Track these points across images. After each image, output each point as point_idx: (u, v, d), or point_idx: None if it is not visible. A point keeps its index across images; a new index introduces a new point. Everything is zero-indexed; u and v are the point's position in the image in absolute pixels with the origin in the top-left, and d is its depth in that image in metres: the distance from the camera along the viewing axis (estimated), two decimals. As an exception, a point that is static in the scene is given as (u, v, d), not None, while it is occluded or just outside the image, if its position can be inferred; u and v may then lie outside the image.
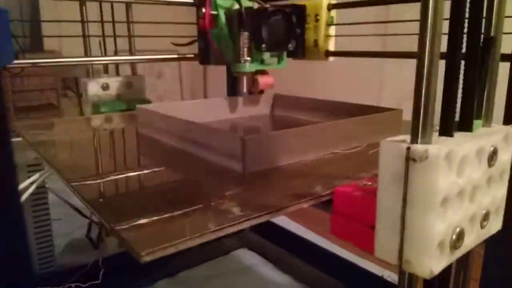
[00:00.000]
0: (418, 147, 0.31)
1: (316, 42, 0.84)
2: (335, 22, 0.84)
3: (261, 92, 0.84)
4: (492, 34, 0.36)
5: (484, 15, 0.36)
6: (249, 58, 0.72)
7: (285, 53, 0.78)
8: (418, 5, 0.31)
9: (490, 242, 0.39)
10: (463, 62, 0.35)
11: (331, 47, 0.84)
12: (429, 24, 0.30)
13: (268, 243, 1.31)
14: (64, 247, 1.34)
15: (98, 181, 0.49)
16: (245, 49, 0.71)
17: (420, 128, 0.32)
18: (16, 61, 0.59)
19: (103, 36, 1.06)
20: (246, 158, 0.49)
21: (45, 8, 2.10)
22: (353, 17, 0.82)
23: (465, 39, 0.34)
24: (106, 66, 1.00)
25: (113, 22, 1.07)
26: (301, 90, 1.17)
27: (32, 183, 0.64)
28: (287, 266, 1.24)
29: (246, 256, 1.32)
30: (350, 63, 1.22)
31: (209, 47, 0.79)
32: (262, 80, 0.82)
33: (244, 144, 0.49)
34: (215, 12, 0.74)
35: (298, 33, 0.85)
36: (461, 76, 0.35)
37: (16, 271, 0.30)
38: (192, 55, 0.95)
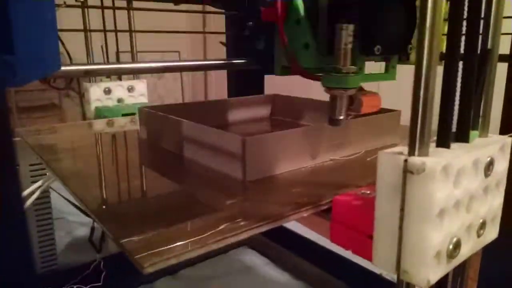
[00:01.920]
0: (416, 160, 0.31)
1: None
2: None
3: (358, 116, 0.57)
4: (489, 46, 0.37)
5: (482, 27, 0.36)
6: (353, 67, 0.45)
7: (396, 60, 0.52)
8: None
9: (488, 245, 0.40)
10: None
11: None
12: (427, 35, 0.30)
13: (269, 241, 1.32)
14: (66, 245, 1.35)
15: (101, 190, 0.50)
16: (348, 53, 0.44)
17: (417, 140, 0.32)
18: (64, 68, 0.44)
19: (104, 32, 1.06)
20: (247, 159, 0.49)
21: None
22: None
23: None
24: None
25: (114, 20, 1.08)
26: (300, 90, 1.16)
27: (35, 191, 0.65)
28: (287, 264, 1.25)
29: (247, 254, 1.33)
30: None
31: (273, 49, 0.54)
32: (367, 100, 0.52)
33: (245, 144, 0.49)
34: None
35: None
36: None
37: (18, 271, 0.30)
38: (242, 61, 0.66)
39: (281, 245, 1.30)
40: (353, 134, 0.61)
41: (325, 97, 0.80)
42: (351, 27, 0.43)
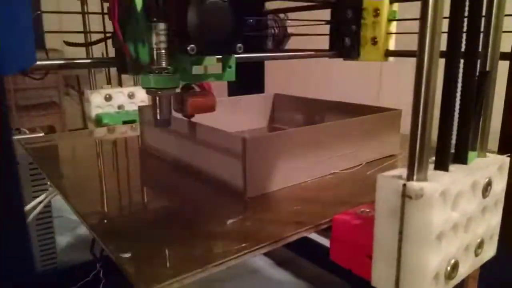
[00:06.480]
0: (414, 185, 0.32)
1: (374, 40, 0.73)
2: (397, 17, 0.73)
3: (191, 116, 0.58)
4: (487, 68, 0.37)
5: (480, 49, 0.37)
6: (166, 67, 0.43)
7: (233, 59, 0.50)
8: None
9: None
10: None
11: (392, 45, 0.75)
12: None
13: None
14: (66, 244, 1.35)
15: (102, 207, 0.50)
16: (162, 50, 0.43)
17: (416, 164, 0.33)
18: (39, 63, 0.44)
19: (104, 33, 1.06)
20: (247, 164, 0.49)
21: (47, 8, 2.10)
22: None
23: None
24: (108, 77, 1.00)
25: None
26: (297, 88, 1.15)
27: (37, 205, 0.65)
28: (291, 265, 1.25)
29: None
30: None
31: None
32: (193, 102, 0.55)
33: (245, 144, 0.48)
34: None
35: (353, 30, 0.74)
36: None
37: (18, 271, 0.30)
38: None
39: (285, 247, 1.30)
40: (353, 134, 0.61)
41: (327, 96, 0.79)
42: (160, 25, 0.42)
